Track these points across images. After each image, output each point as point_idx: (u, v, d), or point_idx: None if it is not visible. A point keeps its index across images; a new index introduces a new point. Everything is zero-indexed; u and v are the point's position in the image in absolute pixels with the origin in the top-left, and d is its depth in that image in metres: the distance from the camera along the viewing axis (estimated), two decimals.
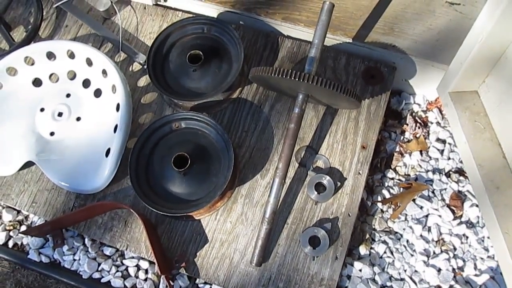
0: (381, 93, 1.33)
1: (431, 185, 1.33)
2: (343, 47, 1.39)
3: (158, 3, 1.48)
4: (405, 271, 1.24)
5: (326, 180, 1.21)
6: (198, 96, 1.31)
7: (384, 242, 1.27)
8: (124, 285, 1.27)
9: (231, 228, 1.22)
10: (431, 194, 1.32)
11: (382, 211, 1.31)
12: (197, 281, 1.26)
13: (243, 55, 1.29)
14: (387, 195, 1.32)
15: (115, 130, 1.27)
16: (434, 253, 1.26)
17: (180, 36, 1.38)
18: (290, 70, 1.06)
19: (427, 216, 1.30)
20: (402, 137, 1.41)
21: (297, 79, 1.04)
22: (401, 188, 1.33)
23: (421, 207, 1.30)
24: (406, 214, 1.30)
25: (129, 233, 1.24)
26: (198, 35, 1.38)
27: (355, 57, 1.37)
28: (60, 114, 1.35)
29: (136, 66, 1.42)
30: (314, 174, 1.22)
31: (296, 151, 1.27)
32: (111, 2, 1.44)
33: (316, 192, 1.20)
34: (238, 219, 1.23)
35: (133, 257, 1.30)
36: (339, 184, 1.22)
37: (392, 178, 1.36)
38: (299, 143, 1.28)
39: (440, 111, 1.44)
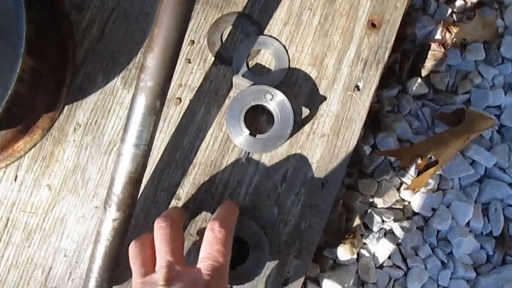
0: None
1: (500, 117, 0.64)
2: None
3: None
4: None
5: (275, 101, 0.49)
6: None
7: (390, 234, 0.61)
8: None
9: (51, 200, 0.52)
10: (496, 137, 0.64)
11: (392, 166, 0.63)
12: None
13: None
14: (407, 134, 0.62)
15: None
16: (490, 263, 0.61)
17: None
18: None
19: (480, 181, 0.63)
20: (448, 10, 0.67)
21: None
22: (436, 121, 0.63)
23: (472, 163, 0.63)
24: (440, 176, 0.63)
25: None
26: None
27: None
28: None
29: None
30: (247, 85, 0.49)
31: (211, 25, 0.53)
32: None
33: (247, 130, 0.49)
34: (67, 181, 0.53)
35: None
36: (306, 111, 0.50)
37: (420, 97, 0.65)
38: (221, 6, 0.53)
39: None
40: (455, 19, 0.66)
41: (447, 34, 0.64)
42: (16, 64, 0.43)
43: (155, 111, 0.44)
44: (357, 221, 0.59)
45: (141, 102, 0.43)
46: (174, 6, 0.42)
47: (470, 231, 0.61)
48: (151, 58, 0.43)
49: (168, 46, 0.42)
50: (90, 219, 0.52)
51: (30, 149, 0.53)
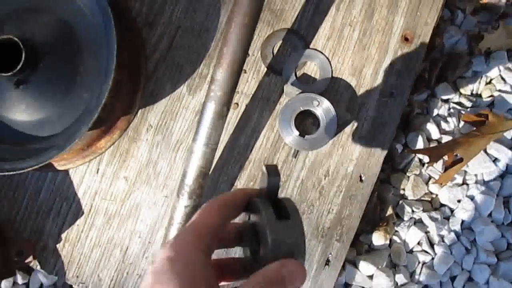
0: None
1: None
2: None
3: None
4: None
5: (321, 107, 0.57)
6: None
7: (420, 223, 0.69)
8: None
9: (127, 190, 0.62)
10: None
11: (421, 163, 0.70)
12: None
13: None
14: (435, 134, 0.70)
15: None
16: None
17: None
18: None
19: (502, 176, 0.70)
20: (474, 20, 0.73)
21: None
22: (462, 122, 0.70)
23: (495, 160, 0.69)
24: (465, 171, 0.70)
25: None
26: None
27: None
28: None
29: None
30: (296, 92, 0.58)
31: (264, 40, 0.61)
32: None
33: (296, 132, 0.58)
34: (141, 173, 0.62)
35: None
36: (347, 115, 0.58)
37: (447, 101, 0.72)
38: (272, 23, 0.62)
39: None
40: (480, 29, 0.72)
41: (473, 43, 0.71)
42: (108, 77, 0.53)
43: (222, 116, 0.53)
44: (389, 211, 0.67)
45: (211, 109, 0.52)
46: (240, 29, 0.50)
47: (492, 221, 0.68)
48: (220, 72, 0.51)
49: (234, 61, 0.51)
50: (161, 206, 0.61)
51: (110, 147, 0.62)
